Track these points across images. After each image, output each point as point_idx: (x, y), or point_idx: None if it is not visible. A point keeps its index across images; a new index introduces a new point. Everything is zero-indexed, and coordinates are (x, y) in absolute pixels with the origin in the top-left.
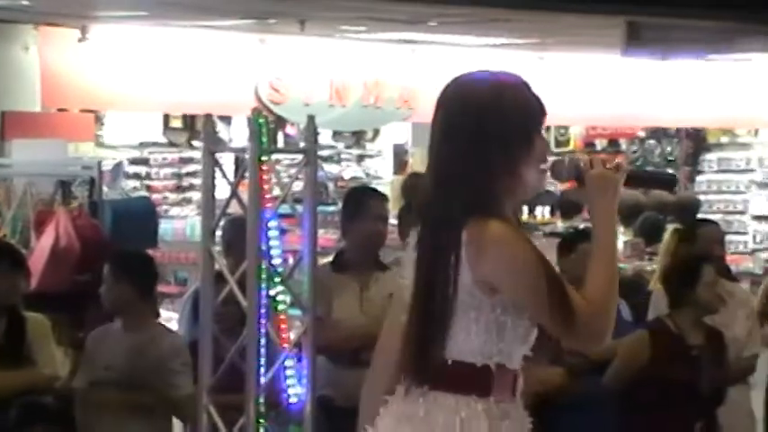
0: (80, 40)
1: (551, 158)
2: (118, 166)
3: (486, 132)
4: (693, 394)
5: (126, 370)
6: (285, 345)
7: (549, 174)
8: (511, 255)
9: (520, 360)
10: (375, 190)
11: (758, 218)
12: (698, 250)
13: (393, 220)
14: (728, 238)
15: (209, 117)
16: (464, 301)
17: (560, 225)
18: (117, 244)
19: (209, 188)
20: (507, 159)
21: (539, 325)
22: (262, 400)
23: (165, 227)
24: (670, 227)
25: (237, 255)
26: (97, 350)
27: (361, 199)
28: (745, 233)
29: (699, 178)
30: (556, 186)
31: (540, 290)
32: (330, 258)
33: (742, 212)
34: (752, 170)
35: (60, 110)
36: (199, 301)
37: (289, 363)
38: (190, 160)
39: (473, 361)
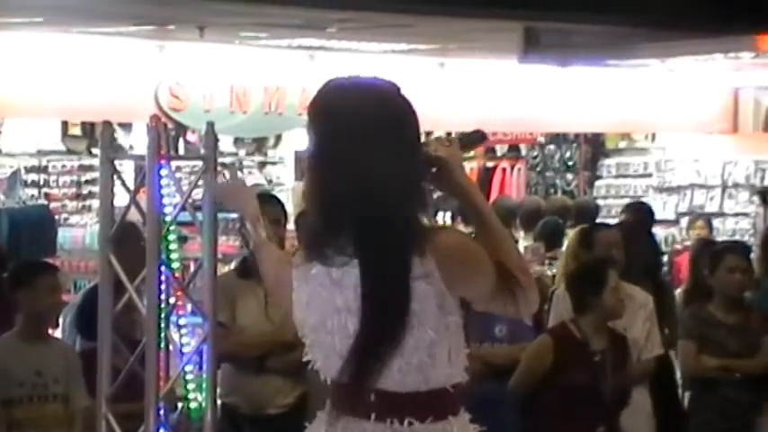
0: None
1: None
2: (15, 173)
3: (415, 136)
4: (596, 399)
5: (41, 383)
6: (185, 352)
7: None
8: (481, 262)
9: None
10: (267, 195)
11: (655, 222)
12: (597, 254)
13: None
14: None
15: (107, 124)
16: (451, 322)
17: (461, 230)
18: (14, 252)
19: (108, 196)
20: (417, 164)
21: None
22: (161, 408)
23: (64, 235)
24: (570, 232)
25: (122, 262)
26: (2, 367)
27: None
28: None
29: (598, 183)
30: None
31: (501, 281)
32: (234, 265)
33: None
34: (649, 175)
35: None
36: (81, 311)
37: (189, 370)
38: (89, 168)
39: (462, 379)
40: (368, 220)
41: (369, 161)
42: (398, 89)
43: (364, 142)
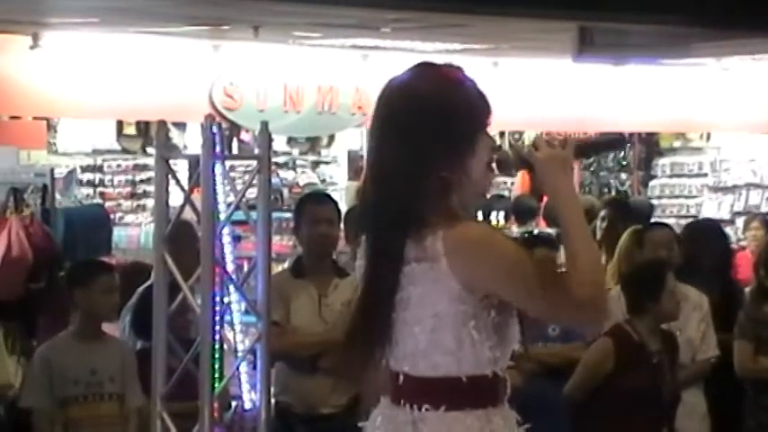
0: (32, 48)
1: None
2: (71, 173)
3: (429, 131)
4: (657, 402)
5: (95, 382)
6: (239, 351)
7: (496, 170)
8: (501, 254)
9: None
10: (321, 194)
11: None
12: (647, 255)
13: None
14: None
15: (162, 123)
16: (459, 311)
17: (515, 230)
18: (70, 252)
19: (163, 195)
20: (453, 159)
21: None
22: (216, 407)
23: (119, 234)
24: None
25: (177, 261)
26: (59, 366)
27: (304, 204)
28: None
29: (652, 183)
30: (509, 192)
31: (536, 282)
32: (288, 264)
33: (695, 217)
34: (704, 174)
35: (12, 117)
36: (137, 311)
37: (243, 369)
38: (144, 167)
39: (486, 372)
40: (370, 205)
41: (384, 154)
42: (447, 82)
43: (386, 137)
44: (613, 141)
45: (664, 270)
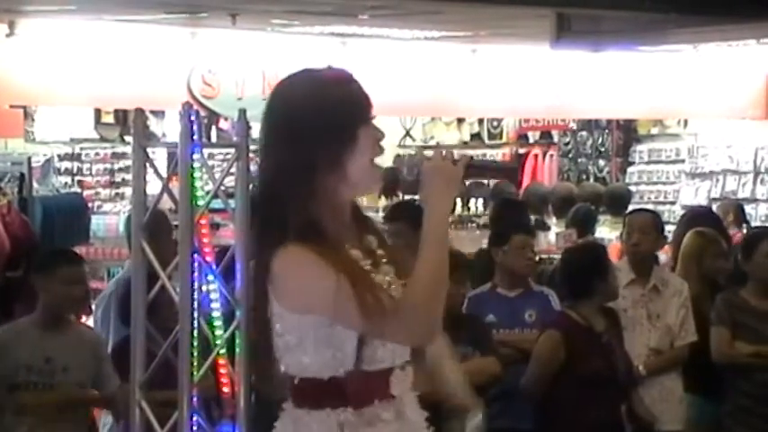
0: (8, 36)
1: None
2: (48, 161)
3: (297, 133)
4: (613, 380)
5: (47, 370)
6: (218, 339)
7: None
8: (296, 284)
9: (396, 357)
10: None
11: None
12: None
13: None
14: None
15: (139, 112)
16: (285, 324)
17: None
18: (47, 240)
19: (140, 183)
20: (328, 157)
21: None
22: (195, 394)
23: (97, 223)
24: (602, 218)
25: (153, 252)
26: (13, 351)
27: None
28: (675, 223)
29: (630, 169)
30: (487, 180)
31: (353, 309)
32: None
33: (672, 203)
34: (681, 161)
35: None
36: (122, 301)
37: (222, 357)
38: (122, 155)
39: (320, 376)
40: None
41: (268, 161)
42: (319, 82)
43: (265, 143)
44: (500, 169)
45: (603, 249)
